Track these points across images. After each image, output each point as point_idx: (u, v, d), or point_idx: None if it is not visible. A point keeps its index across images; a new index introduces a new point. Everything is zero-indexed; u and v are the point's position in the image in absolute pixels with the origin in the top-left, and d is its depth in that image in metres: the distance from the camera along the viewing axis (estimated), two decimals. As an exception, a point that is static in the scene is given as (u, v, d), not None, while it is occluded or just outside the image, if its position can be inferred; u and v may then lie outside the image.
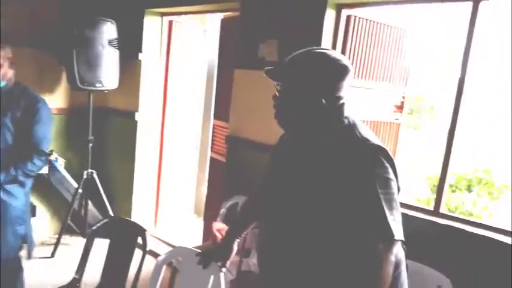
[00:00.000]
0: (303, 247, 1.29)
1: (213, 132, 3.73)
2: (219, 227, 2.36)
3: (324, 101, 1.25)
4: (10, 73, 2.32)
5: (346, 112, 1.30)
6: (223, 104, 3.49)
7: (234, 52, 3.10)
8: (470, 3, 2.19)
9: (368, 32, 2.72)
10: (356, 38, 2.68)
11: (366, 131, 1.28)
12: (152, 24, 3.72)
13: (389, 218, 1.15)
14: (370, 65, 2.79)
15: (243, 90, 3.01)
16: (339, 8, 2.60)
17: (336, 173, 1.21)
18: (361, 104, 2.78)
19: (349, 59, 2.65)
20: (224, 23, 3.60)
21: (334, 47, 2.63)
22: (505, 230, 2.09)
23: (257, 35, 2.87)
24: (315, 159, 1.29)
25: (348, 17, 2.63)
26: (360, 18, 2.65)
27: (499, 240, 2.02)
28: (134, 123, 3.75)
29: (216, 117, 3.74)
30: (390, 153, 1.24)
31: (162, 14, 3.74)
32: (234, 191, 2.82)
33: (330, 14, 2.58)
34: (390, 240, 1.16)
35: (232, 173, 3.10)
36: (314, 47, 1.35)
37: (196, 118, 4.41)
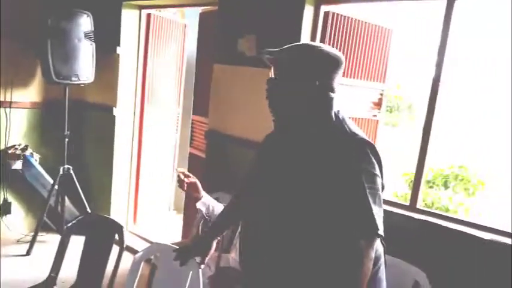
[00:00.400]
0: (288, 242, 1.29)
1: (192, 127, 3.70)
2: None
3: (317, 89, 1.27)
4: None
5: (336, 106, 1.31)
6: (202, 99, 3.46)
7: (213, 47, 3.08)
8: (445, 2, 2.23)
9: (346, 29, 2.73)
10: (334, 34, 2.69)
11: (354, 126, 1.30)
12: (130, 18, 3.66)
13: (374, 211, 1.18)
14: (348, 62, 2.80)
15: (222, 85, 2.99)
16: (317, 3, 2.61)
17: (323, 166, 1.23)
18: (343, 102, 2.80)
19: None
20: (203, 17, 3.57)
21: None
22: (480, 225, 2.14)
23: (236, 29, 2.86)
24: (302, 151, 1.29)
25: (326, 13, 2.64)
26: (338, 14, 2.67)
27: (474, 235, 2.06)
28: (112, 118, 3.69)
29: (195, 112, 3.72)
30: (378, 149, 1.26)
31: (140, 7, 3.69)
32: (213, 187, 2.80)
33: (308, 10, 2.59)
34: (373, 234, 1.18)
35: (212, 169, 3.09)
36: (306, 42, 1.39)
37: (175, 113, 4.37)
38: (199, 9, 3.60)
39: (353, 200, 1.19)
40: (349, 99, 2.88)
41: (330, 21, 2.64)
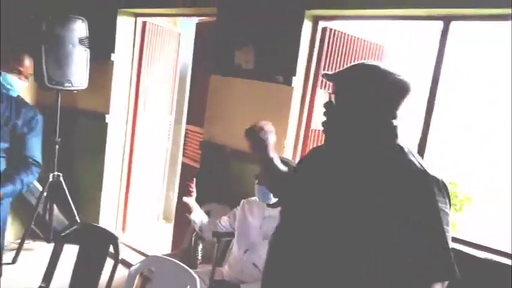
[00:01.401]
0: (343, 278, 1.18)
1: (186, 137, 3.69)
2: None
3: (391, 119, 1.18)
4: None
5: (400, 135, 1.22)
6: (196, 108, 3.46)
7: (211, 57, 3.09)
8: (441, 23, 2.28)
9: (343, 45, 2.77)
10: (331, 50, 2.73)
11: (421, 160, 1.19)
12: (125, 25, 3.65)
13: (451, 254, 1.10)
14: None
15: (219, 97, 3.00)
16: (315, 19, 2.64)
17: (392, 200, 1.12)
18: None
19: (323, 70, 2.71)
20: (199, 27, 3.58)
21: (310, 57, 2.67)
22: (468, 242, 2.18)
23: (233, 41, 2.88)
24: (365, 180, 1.17)
25: (324, 29, 2.68)
26: (335, 30, 2.71)
27: (463, 251, 2.09)
28: (104, 126, 3.65)
29: (189, 121, 3.71)
30: (448, 186, 1.18)
31: (136, 15, 3.68)
32: (207, 197, 2.80)
33: (306, 25, 2.62)
34: (451, 278, 1.11)
35: (205, 179, 3.08)
36: (370, 61, 1.28)
37: (167, 121, 4.35)
38: (195, 19, 3.61)
39: (431, 241, 1.10)
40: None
41: (327, 37, 2.68)
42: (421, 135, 2.35)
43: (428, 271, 1.10)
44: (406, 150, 1.20)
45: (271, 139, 1.53)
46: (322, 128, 1.28)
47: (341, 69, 1.28)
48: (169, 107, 4.34)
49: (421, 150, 2.33)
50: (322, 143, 1.41)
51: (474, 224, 5.58)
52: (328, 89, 2.80)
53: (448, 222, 1.11)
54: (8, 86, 2.33)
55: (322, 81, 2.72)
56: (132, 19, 3.68)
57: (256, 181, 2.00)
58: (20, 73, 2.39)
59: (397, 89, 1.19)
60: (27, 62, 2.45)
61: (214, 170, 3.02)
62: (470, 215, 5.81)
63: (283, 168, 1.54)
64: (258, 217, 2.22)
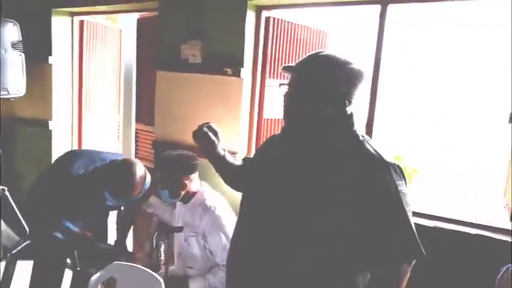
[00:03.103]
0: (303, 265, 1.20)
1: (137, 137, 3.59)
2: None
3: (347, 107, 1.21)
4: None
5: (356, 123, 1.26)
6: (145, 106, 3.38)
7: (155, 53, 3.02)
8: (379, 6, 2.36)
9: (288, 33, 2.81)
10: (276, 38, 2.75)
11: (377, 146, 1.23)
12: (61, 25, 3.47)
13: (416, 234, 1.15)
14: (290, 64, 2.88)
15: (167, 93, 2.94)
16: (258, 9, 2.65)
17: (350, 187, 1.15)
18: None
19: (270, 59, 2.73)
20: (141, 23, 3.48)
21: (256, 48, 2.68)
22: (420, 213, 2.31)
23: (178, 36, 2.82)
24: (323, 168, 1.20)
25: (268, 19, 2.69)
26: (279, 19, 2.73)
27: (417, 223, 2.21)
28: (48, 133, 3.48)
29: (138, 120, 3.61)
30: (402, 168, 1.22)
31: (72, 14, 3.51)
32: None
33: (250, 16, 2.62)
34: (418, 257, 1.15)
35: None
36: (325, 51, 1.29)
37: (115, 122, 4.21)
38: (136, 15, 3.50)
39: (395, 224, 1.15)
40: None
41: (271, 26, 2.70)
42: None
43: (395, 253, 1.15)
44: (361, 138, 1.24)
45: (217, 138, 1.51)
46: (282, 118, 1.30)
47: (298, 61, 1.29)
48: (117, 107, 4.20)
49: (369, 129, 2.43)
50: (280, 131, 1.42)
51: (423, 194, 5.90)
52: (282, 79, 2.84)
53: (408, 202, 1.17)
54: None
55: (270, 70, 2.74)
56: (68, 19, 3.51)
57: (159, 185, 2.05)
58: None
59: (353, 77, 1.22)
60: None
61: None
62: (419, 186, 6.13)
63: (234, 162, 1.56)
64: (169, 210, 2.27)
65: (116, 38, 4.01)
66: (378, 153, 1.21)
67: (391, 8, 2.32)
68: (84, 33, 3.62)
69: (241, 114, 2.64)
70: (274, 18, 2.71)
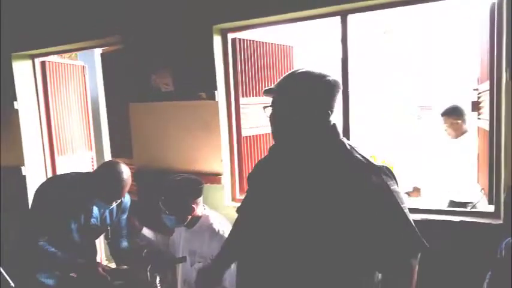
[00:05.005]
0: (318, 277, 1.23)
1: (114, 171, 3.54)
2: None
3: (329, 119, 1.27)
4: None
5: (340, 132, 1.32)
6: (120, 140, 3.36)
7: (125, 86, 3.02)
8: (339, 18, 2.47)
9: (255, 52, 2.88)
10: (245, 58, 2.82)
11: (363, 152, 1.29)
12: (23, 68, 3.42)
13: (416, 229, 1.20)
14: (262, 82, 2.96)
15: (143, 124, 2.94)
16: (224, 32, 2.71)
17: (348, 193, 1.20)
18: (260, 120, 2.93)
19: (241, 79, 2.79)
20: (105, 57, 3.47)
21: (226, 69, 2.73)
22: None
23: (147, 66, 2.84)
24: (318, 181, 1.24)
25: (234, 40, 2.76)
26: (244, 40, 2.81)
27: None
28: (22, 179, 3.38)
29: (114, 155, 3.57)
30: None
31: (33, 56, 3.46)
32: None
33: (216, 39, 2.68)
34: (422, 250, 1.21)
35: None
36: (299, 69, 1.34)
37: (89, 159, 4.14)
38: (99, 50, 3.49)
39: (396, 223, 1.20)
40: (264, 117, 3.02)
41: (238, 47, 2.77)
42: (343, 121, 2.53)
43: (401, 249, 1.20)
44: (349, 146, 1.30)
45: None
46: (272, 136, 1.35)
47: (278, 81, 1.34)
48: (88, 143, 4.14)
49: (346, 134, 2.52)
50: (268, 153, 1.46)
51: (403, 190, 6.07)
52: (255, 96, 2.89)
53: (402, 199, 1.24)
54: None
55: (243, 89, 2.80)
56: (29, 61, 3.46)
57: (165, 212, 2.05)
58: None
59: (331, 89, 1.28)
60: None
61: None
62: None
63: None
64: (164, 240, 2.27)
65: (80, 74, 3.97)
66: (366, 159, 1.27)
67: (351, 17, 2.44)
68: (47, 74, 3.56)
69: (221, 136, 2.68)
70: (240, 39, 2.78)
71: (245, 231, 1.46)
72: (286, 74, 1.36)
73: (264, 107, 1.36)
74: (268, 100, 1.36)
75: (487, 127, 2.26)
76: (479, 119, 2.59)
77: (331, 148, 1.29)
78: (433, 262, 2.01)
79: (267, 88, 1.35)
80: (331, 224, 1.21)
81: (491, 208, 2.21)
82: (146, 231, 2.29)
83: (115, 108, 3.39)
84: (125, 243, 2.34)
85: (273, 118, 1.33)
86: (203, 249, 1.95)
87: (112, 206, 2.14)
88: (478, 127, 2.64)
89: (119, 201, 2.14)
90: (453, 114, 3.26)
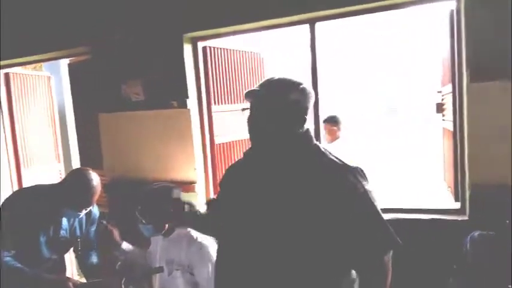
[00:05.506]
0: (296, 279, 1.25)
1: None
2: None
3: (304, 124, 1.30)
4: None
5: (313, 136, 1.35)
6: (90, 151, 3.29)
7: (95, 96, 2.97)
8: (307, 26, 2.53)
9: (225, 59, 2.91)
10: (216, 66, 2.84)
11: (337, 154, 1.33)
12: (-15, 81, 3.30)
13: (390, 228, 1.24)
14: (234, 89, 2.98)
15: (114, 134, 2.90)
16: (194, 41, 2.72)
17: (325, 194, 1.23)
18: (233, 126, 2.95)
19: (213, 86, 2.81)
20: (72, 68, 3.40)
21: (197, 77, 2.74)
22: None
23: (117, 76, 2.81)
24: (297, 182, 1.26)
25: (204, 48, 2.77)
26: (214, 48, 2.82)
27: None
28: (-13, 195, 3.25)
29: (83, 166, 3.48)
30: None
31: (-4, 68, 3.35)
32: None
33: (187, 48, 2.69)
34: (395, 247, 1.25)
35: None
36: (277, 76, 1.37)
37: (57, 171, 4.03)
38: (66, 60, 3.42)
39: (370, 221, 1.23)
40: (241, 124, 3.05)
41: (208, 55, 2.78)
42: (314, 126, 2.58)
43: (375, 246, 1.24)
44: (323, 149, 1.34)
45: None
46: (249, 139, 1.37)
47: (257, 86, 1.36)
48: (56, 155, 4.03)
49: (317, 137, 2.57)
50: (243, 157, 1.48)
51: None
52: (227, 103, 2.90)
53: (375, 198, 1.28)
54: None
55: (215, 96, 2.81)
56: (-9, 73, 3.34)
57: (143, 221, 2.04)
58: None
59: (306, 96, 1.32)
60: None
61: (127, 211, 2.90)
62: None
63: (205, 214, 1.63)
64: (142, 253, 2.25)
65: (45, 85, 3.87)
66: (340, 160, 1.30)
67: (319, 25, 2.50)
68: (12, 86, 3.46)
69: (194, 144, 2.67)
70: (210, 47, 2.80)
71: (221, 234, 1.47)
72: (264, 80, 1.39)
73: (243, 109, 1.39)
74: (243, 104, 1.39)
75: (451, 128, 2.36)
76: (443, 120, 2.71)
77: (306, 152, 1.32)
78: (405, 259, 2.08)
79: (247, 91, 1.37)
80: (308, 225, 1.24)
81: (457, 205, 2.31)
82: (125, 245, 2.24)
83: (84, 119, 3.32)
84: (94, 259, 2.29)
85: (250, 122, 1.35)
86: (181, 257, 1.94)
87: (82, 214, 2.10)
88: (443, 128, 2.75)
89: (89, 209, 2.10)
90: (331, 121, 3.69)
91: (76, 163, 4.13)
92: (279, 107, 1.29)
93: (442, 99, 2.73)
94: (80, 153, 3.61)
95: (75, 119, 3.48)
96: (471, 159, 2.14)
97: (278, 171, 1.31)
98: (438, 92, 2.85)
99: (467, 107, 2.13)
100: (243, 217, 1.34)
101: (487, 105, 2.05)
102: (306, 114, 1.32)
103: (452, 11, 2.25)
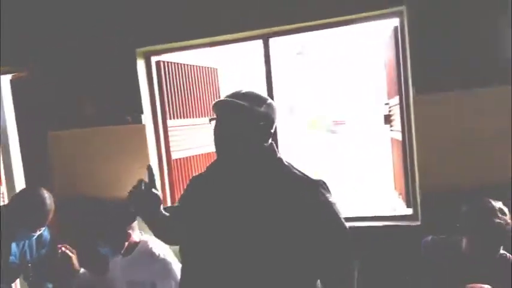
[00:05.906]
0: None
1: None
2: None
3: (268, 138, 1.32)
4: None
5: (277, 150, 1.36)
6: (37, 171, 3.12)
7: (43, 114, 2.83)
8: (261, 41, 2.59)
9: (180, 74, 2.89)
10: (170, 80, 2.81)
11: (301, 168, 1.36)
12: None
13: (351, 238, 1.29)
14: (189, 103, 2.96)
15: (65, 153, 2.78)
16: (147, 56, 2.69)
17: (289, 207, 1.25)
18: (190, 141, 2.93)
19: (168, 101, 2.78)
20: (15, 83, 3.21)
21: (152, 92, 2.70)
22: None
23: (66, 92, 2.72)
24: (262, 195, 1.28)
25: (158, 63, 2.74)
26: (168, 62, 2.80)
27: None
28: None
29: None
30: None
31: None
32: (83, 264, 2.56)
33: (140, 63, 2.65)
34: (358, 256, 1.29)
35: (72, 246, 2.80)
36: (244, 89, 1.37)
37: (-1, 194, 3.77)
38: (8, 76, 3.23)
39: (335, 232, 1.28)
40: (199, 138, 3.03)
41: (162, 69, 2.76)
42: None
43: (341, 258, 1.28)
44: (286, 163, 1.36)
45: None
46: (215, 150, 1.35)
47: (225, 97, 1.35)
48: (-3, 178, 3.78)
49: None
50: (206, 169, 1.46)
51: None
52: (182, 118, 2.87)
53: (339, 209, 1.32)
54: None
55: (170, 111, 2.78)
56: None
57: (101, 244, 1.98)
58: None
59: (272, 111, 1.35)
60: None
61: (82, 232, 2.77)
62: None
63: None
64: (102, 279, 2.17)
65: (-15, 103, 3.63)
66: (304, 174, 1.33)
67: (272, 40, 2.56)
68: None
69: (150, 159, 2.62)
70: (164, 62, 2.77)
71: (185, 247, 1.43)
72: (231, 93, 1.38)
73: (210, 120, 1.38)
74: (200, 119, 1.38)
75: (399, 137, 2.48)
76: (391, 130, 2.84)
77: (271, 165, 1.34)
78: (365, 266, 2.14)
79: (215, 102, 1.35)
80: (274, 237, 1.24)
81: (409, 211, 2.42)
82: (84, 273, 2.13)
83: (30, 138, 3.15)
84: (49, 286, 2.17)
85: (217, 133, 1.34)
86: (144, 275, 1.88)
87: (36, 235, 1.98)
88: (391, 138, 2.89)
89: (43, 229, 1.99)
90: None
91: (20, 185, 3.89)
92: (249, 119, 1.30)
93: (390, 111, 2.87)
94: (25, 174, 3.40)
95: (19, 138, 3.28)
96: (420, 167, 2.26)
97: (245, 184, 1.32)
98: (385, 104, 2.99)
99: (414, 118, 2.26)
100: (209, 229, 1.33)
101: (433, 115, 2.18)
102: (272, 128, 1.34)
103: (396, 27, 2.39)
